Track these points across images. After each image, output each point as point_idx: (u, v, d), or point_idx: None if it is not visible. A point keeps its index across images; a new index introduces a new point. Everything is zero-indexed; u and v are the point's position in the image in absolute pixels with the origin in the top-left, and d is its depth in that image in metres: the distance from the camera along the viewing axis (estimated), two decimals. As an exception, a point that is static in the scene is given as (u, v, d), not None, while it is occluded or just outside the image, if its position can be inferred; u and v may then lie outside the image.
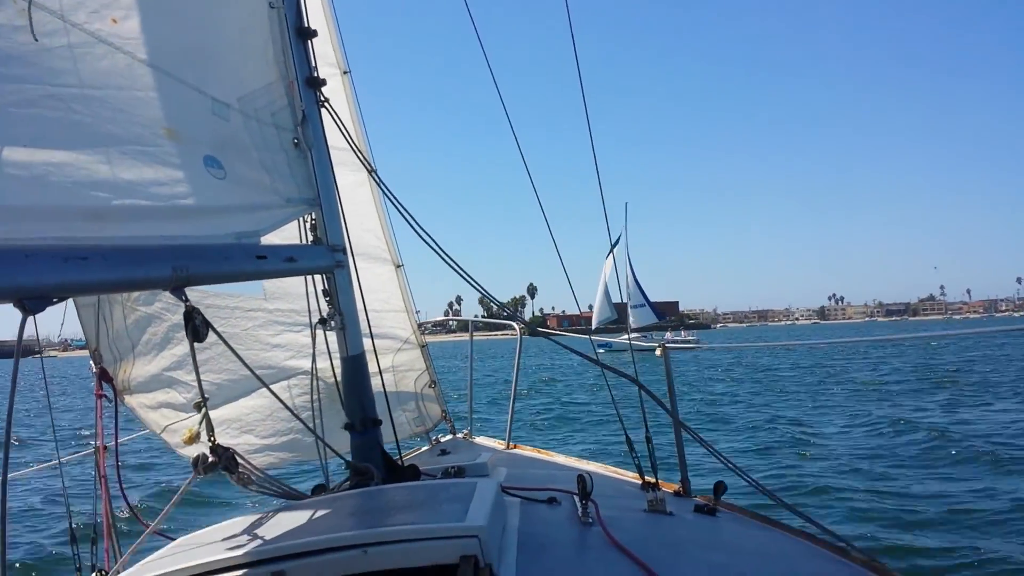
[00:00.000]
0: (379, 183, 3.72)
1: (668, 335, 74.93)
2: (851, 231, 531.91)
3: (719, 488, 3.74)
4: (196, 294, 4.71)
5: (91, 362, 4.09)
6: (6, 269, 1.92)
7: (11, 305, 1.99)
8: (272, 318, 5.16)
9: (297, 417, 3.51)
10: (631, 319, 60.42)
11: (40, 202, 2.29)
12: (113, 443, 3.79)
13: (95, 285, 2.24)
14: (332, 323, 3.55)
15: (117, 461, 3.68)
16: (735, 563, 3.04)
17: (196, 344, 4.73)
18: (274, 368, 5.14)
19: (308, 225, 3.53)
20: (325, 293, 3.55)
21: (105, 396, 3.93)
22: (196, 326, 2.59)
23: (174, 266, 2.44)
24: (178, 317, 4.56)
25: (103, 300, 4.06)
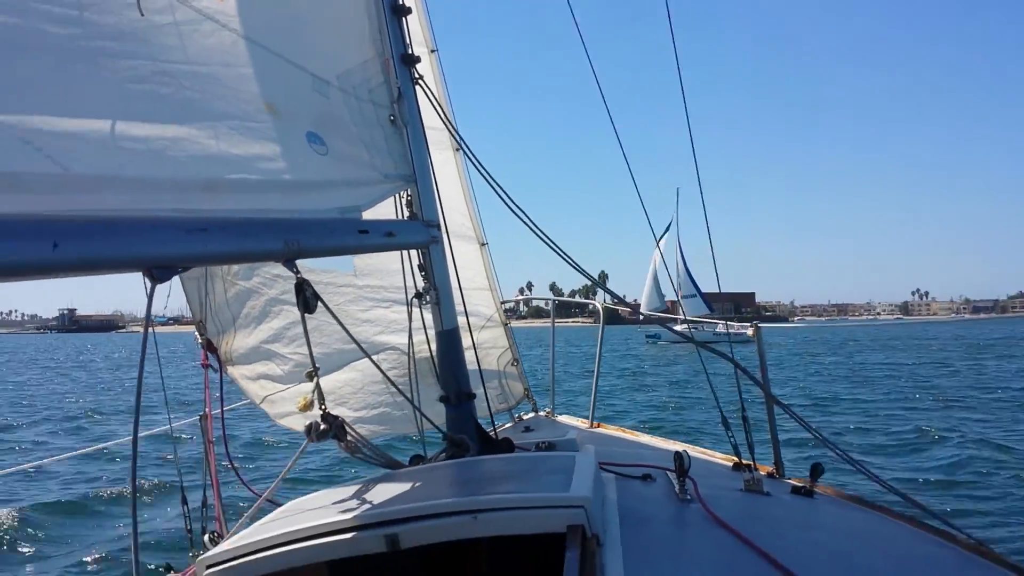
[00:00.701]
0: (473, 160, 3.73)
1: (720, 327, 72.21)
2: (937, 224, 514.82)
3: (816, 470, 3.66)
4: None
5: (196, 333, 4.24)
6: (134, 240, 2.00)
7: (135, 275, 2.07)
8: (362, 294, 5.25)
9: (398, 389, 3.58)
10: (681, 310, 59.27)
11: (158, 174, 2.36)
12: (219, 411, 3.92)
13: (214, 256, 2.31)
14: (427, 298, 3.59)
15: (224, 429, 3.81)
16: (837, 543, 2.98)
17: (290, 317, 4.89)
18: (364, 343, 5.24)
19: (404, 201, 3.58)
20: (421, 268, 3.60)
21: (211, 366, 4.06)
22: (307, 298, 2.65)
23: (286, 239, 2.50)
24: (275, 292, 4.69)
25: (205, 274, 4.20)
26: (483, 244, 5.63)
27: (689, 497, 3.04)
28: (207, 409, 3.86)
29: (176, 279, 4.19)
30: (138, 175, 2.28)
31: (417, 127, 3.52)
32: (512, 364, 5.92)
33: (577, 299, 6.89)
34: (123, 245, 1.94)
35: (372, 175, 3.28)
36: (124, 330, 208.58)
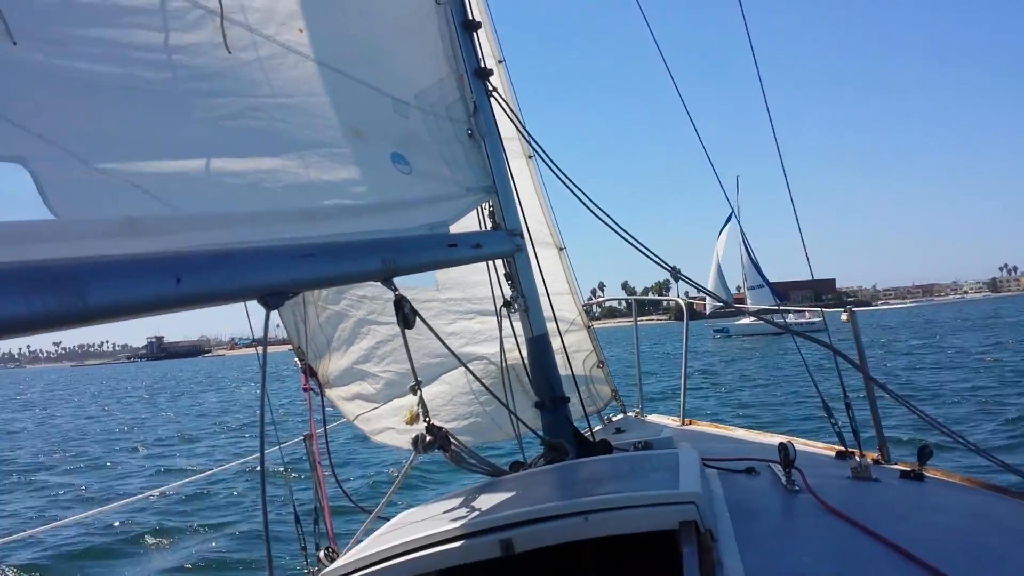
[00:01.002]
0: (550, 164, 3.76)
1: (791, 317, 69.86)
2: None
3: (924, 452, 3.56)
4: (375, 289, 4.93)
5: (296, 359, 4.36)
6: (248, 270, 2.08)
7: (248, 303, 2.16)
8: (445, 308, 5.32)
9: (495, 396, 3.62)
10: (748, 301, 55.91)
11: (258, 207, 2.45)
12: (322, 431, 4.02)
13: (320, 280, 2.38)
14: (515, 305, 3.63)
15: (328, 449, 3.91)
16: (955, 524, 2.90)
17: (377, 337, 4.99)
18: (450, 355, 5.32)
19: (487, 212, 3.63)
20: (507, 277, 3.64)
21: (312, 389, 4.18)
22: (406, 314, 2.71)
23: (383, 259, 2.57)
24: (362, 312, 4.80)
25: (298, 301, 4.32)
26: (561, 248, 5.65)
27: (797, 488, 3.00)
28: (312, 430, 3.96)
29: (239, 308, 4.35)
30: (240, 209, 2.37)
31: (495, 139, 3.57)
32: (598, 366, 5.92)
33: (657, 296, 6.82)
34: (238, 276, 2.02)
35: (455, 190, 3.34)
36: (210, 354, 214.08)
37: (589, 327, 5.89)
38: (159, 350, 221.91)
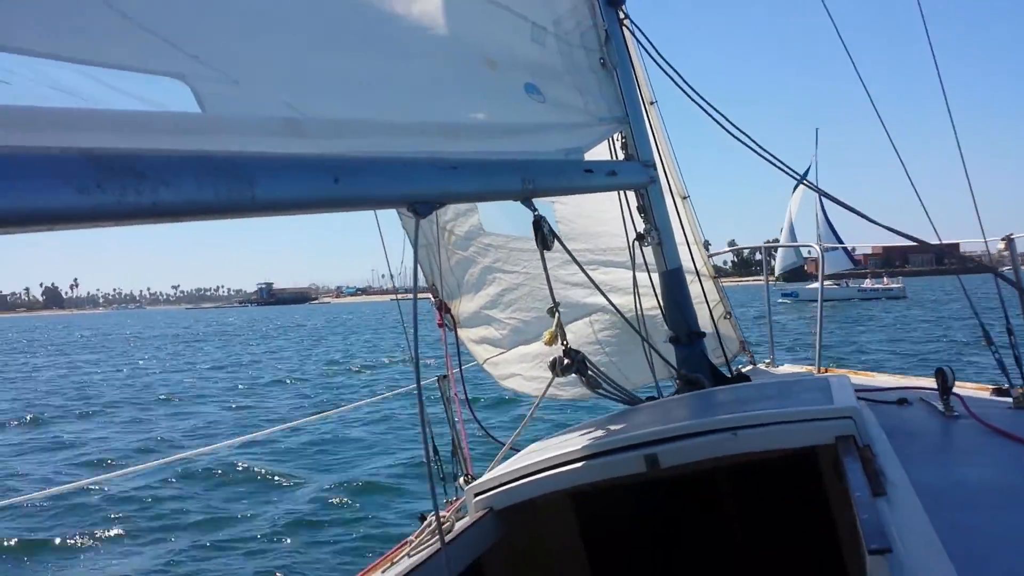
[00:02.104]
0: (695, 96, 3.63)
1: (867, 283, 65.33)
2: None
3: None
4: (500, 239, 4.94)
5: (430, 296, 4.43)
6: (401, 177, 2.09)
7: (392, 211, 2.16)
8: (567, 258, 5.29)
9: (629, 323, 3.57)
10: (823, 264, 52.99)
11: (405, 119, 2.46)
12: (457, 370, 4.07)
13: (463, 194, 2.38)
14: (649, 239, 3.55)
15: (464, 384, 3.95)
16: None
17: (503, 285, 5.00)
18: (574, 305, 5.27)
19: (619, 144, 3.56)
20: (640, 210, 3.56)
21: (446, 325, 4.24)
22: (544, 235, 2.68)
23: (523, 178, 2.54)
24: (488, 260, 4.82)
25: (431, 244, 4.37)
26: (685, 197, 5.51)
27: (957, 413, 2.83)
28: (448, 368, 4.02)
29: (408, 247, 4.42)
30: (389, 120, 2.39)
31: (627, 68, 3.49)
32: (725, 317, 5.76)
33: (793, 243, 6.52)
34: (391, 182, 2.04)
35: (588, 119, 3.28)
36: (316, 302, 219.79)
37: (715, 277, 5.73)
38: (268, 296, 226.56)
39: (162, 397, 22.01)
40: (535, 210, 2.65)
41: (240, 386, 24.30)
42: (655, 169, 3.52)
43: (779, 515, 3.09)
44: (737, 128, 3.57)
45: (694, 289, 5.68)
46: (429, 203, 2.17)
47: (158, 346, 52.10)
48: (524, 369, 4.92)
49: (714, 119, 3.57)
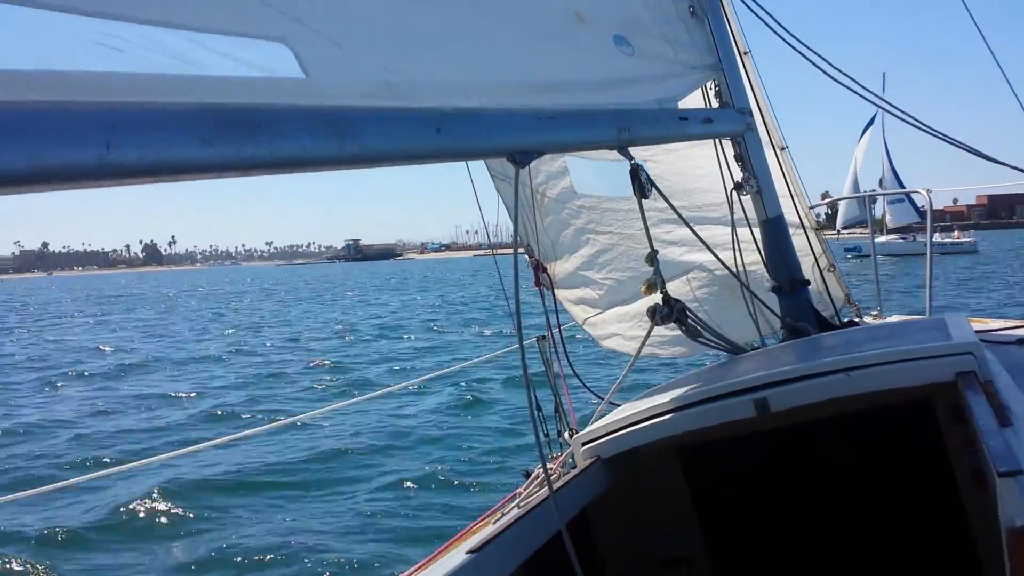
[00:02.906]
0: (788, 37, 3.52)
1: (937, 236, 60.11)
2: None
3: None
4: (592, 200, 4.93)
5: (527, 256, 4.47)
6: (500, 128, 2.12)
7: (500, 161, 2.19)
8: (663, 216, 5.21)
9: (732, 273, 3.51)
10: (887, 217, 48.67)
11: (499, 78, 2.48)
12: (555, 329, 4.10)
13: (561, 143, 2.40)
14: (747, 187, 3.48)
15: (563, 342, 3.98)
16: None
17: (597, 246, 5.00)
18: (671, 264, 5.22)
19: (712, 93, 3.49)
20: (737, 158, 3.49)
21: (543, 285, 4.27)
22: (642, 183, 2.67)
23: (618, 127, 2.53)
24: (581, 222, 4.82)
25: (524, 205, 4.39)
26: (782, 148, 5.35)
27: None
28: (548, 329, 4.05)
29: (502, 206, 4.46)
30: (485, 79, 2.41)
31: (718, 14, 3.41)
32: (828, 270, 5.60)
33: (901, 190, 6.19)
34: (490, 133, 2.08)
35: (679, 68, 3.23)
36: (400, 258, 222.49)
37: (817, 230, 5.56)
38: (356, 251, 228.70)
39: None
40: (632, 159, 2.63)
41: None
42: (751, 116, 3.44)
43: (891, 468, 3.00)
44: (837, 69, 3.46)
45: (797, 242, 5.54)
46: (528, 153, 2.19)
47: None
48: (623, 329, 4.91)
49: (811, 61, 3.46)
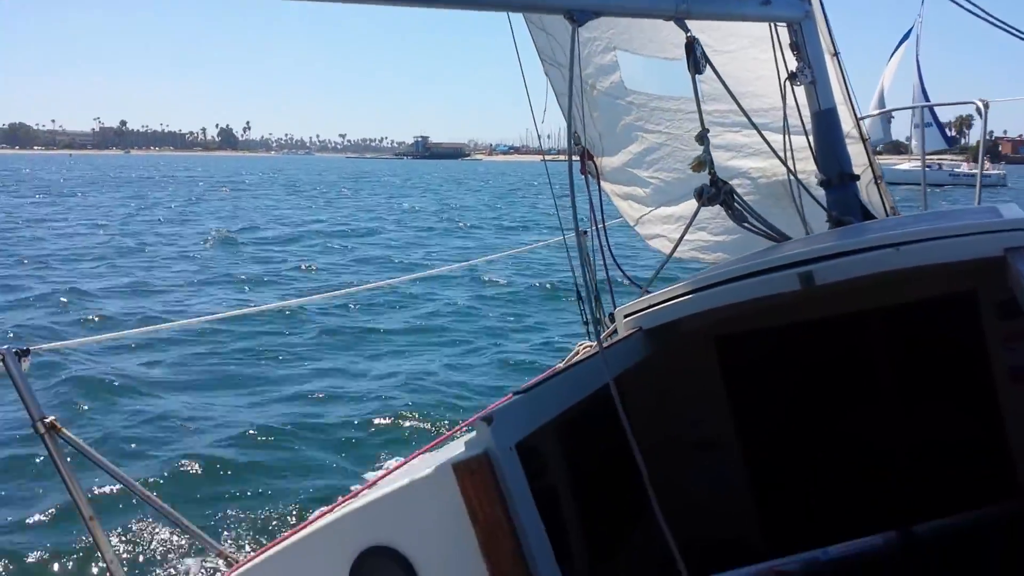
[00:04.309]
0: None
1: (965, 166, 56.11)
2: None
3: None
4: (642, 97, 4.88)
5: (574, 144, 4.47)
6: None
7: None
8: (711, 120, 5.10)
9: (785, 164, 3.50)
10: (913, 141, 45.41)
11: None
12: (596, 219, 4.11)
13: (618, 6, 2.39)
14: (801, 77, 3.44)
15: (606, 235, 4.00)
16: None
17: (645, 144, 4.97)
18: (717, 168, 5.19)
19: None
20: (793, 47, 3.43)
21: (589, 173, 4.28)
22: (696, 58, 2.65)
23: None
24: (630, 118, 4.78)
25: (580, 91, 4.36)
26: (834, 54, 5.23)
27: None
28: (592, 224, 4.06)
29: (552, 95, 4.45)
30: None
31: None
32: (874, 182, 5.52)
33: (956, 102, 5.98)
34: None
35: None
36: (468, 158, 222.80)
37: (865, 140, 5.47)
38: (424, 149, 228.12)
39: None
40: (688, 31, 2.61)
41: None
42: (809, 3, 3.37)
43: (930, 364, 3.01)
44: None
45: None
46: (586, 12, 2.19)
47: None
48: (668, 231, 4.92)
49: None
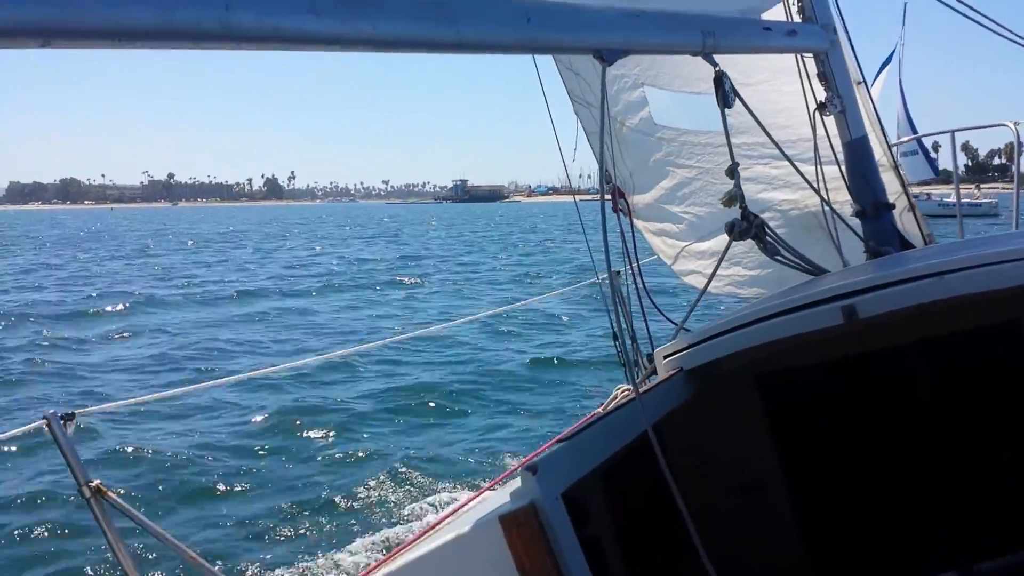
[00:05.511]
0: None
1: (952, 197, 53.10)
2: None
3: None
4: (672, 132, 4.87)
5: (605, 183, 4.46)
6: (587, 24, 2.13)
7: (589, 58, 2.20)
8: (740, 152, 5.08)
9: (819, 195, 3.44)
10: (1019, 146, 42.82)
11: None
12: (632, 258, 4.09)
13: (647, 44, 2.38)
14: (831, 107, 3.39)
15: (641, 274, 3.96)
16: None
17: (676, 179, 4.94)
18: (749, 202, 5.14)
19: (795, 10, 3.40)
20: (820, 77, 3.40)
21: (621, 211, 4.26)
22: (726, 92, 2.63)
23: (703, 31, 2.50)
24: (660, 155, 4.76)
25: (610, 131, 4.37)
26: (859, 83, 5.18)
27: None
28: (627, 262, 4.02)
29: (583, 135, 4.45)
30: None
31: None
32: (908, 210, 5.42)
33: (988, 125, 5.86)
34: (578, 27, 2.09)
35: None
36: (507, 200, 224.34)
37: (896, 166, 5.38)
38: (463, 192, 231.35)
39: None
40: (716, 65, 2.60)
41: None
42: (835, 33, 3.34)
43: (976, 397, 2.89)
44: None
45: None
46: (614, 51, 2.19)
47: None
48: (703, 266, 4.86)
49: None
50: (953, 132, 5.82)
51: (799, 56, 3.45)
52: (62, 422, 2.28)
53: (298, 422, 10.10)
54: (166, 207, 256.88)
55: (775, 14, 3.36)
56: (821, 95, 3.44)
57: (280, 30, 1.42)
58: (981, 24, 3.56)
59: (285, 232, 71.09)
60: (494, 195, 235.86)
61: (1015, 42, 3.65)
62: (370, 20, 1.56)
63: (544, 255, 38.55)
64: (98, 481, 2.30)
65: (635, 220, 4.63)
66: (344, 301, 22.47)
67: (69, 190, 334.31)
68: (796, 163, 4.14)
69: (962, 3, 3.84)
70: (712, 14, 2.71)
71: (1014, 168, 5.13)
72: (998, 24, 3.53)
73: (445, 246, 47.36)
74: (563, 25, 2.04)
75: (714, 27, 2.56)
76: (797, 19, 3.38)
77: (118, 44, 1.25)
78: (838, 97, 3.37)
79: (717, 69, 2.60)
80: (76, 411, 2.37)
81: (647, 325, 3.94)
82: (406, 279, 27.84)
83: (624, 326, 3.78)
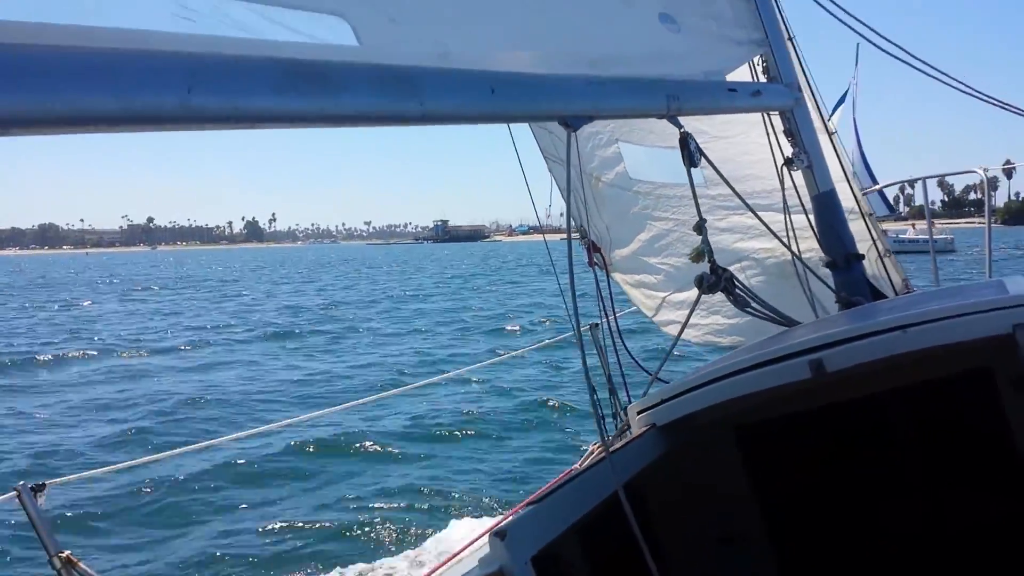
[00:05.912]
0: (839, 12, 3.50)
1: (911, 232, 54.08)
2: None
3: None
4: (647, 186, 4.94)
5: (579, 237, 4.50)
6: (552, 92, 2.17)
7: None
8: (716, 203, 5.20)
9: (789, 250, 3.49)
10: (988, 189, 42.99)
11: (551, 53, 2.53)
12: (611, 315, 4.11)
13: (613, 109, 2.43)
14: (798, 162, 3.46)
15: (618, 326, 3.99)
16: None
17: (653, 231, 5.00)
18: (723, 251, 5.20)
19: (760, 68, 3.48)
20: (787, 133, 3.47)
21: (597, 264, 4.29)
22: (691, 152, 2.68)
23: (667, 95, 2.55)
24: (637, 208, 4.83)
25: (576, 187, 4.43)
26: (831, 133, 5.28)
27: None
28: (602, 312, 4.05)
29: (556, 189, 4.50)
30: (535, 52, 2.47)
31: None
32: (886, 255, 5.48)
33: (960, 171, 5.95)
34: (543, 95, 2.13)
35: (725, 43, 3.24)
36: (488, 239, 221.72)
37: (869, 215, 5.46)
38: (443, 233, 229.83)
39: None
40: (681, 127, 2.65)
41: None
42: (799, 91, 3.42)
43: (951, 445, 2.91)
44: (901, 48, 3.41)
45: (851, 227, 5.45)
46: (580, 117, 2.23)
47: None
48: (681, 316, 4.90)
49: (863, 35, 3.42)
50: (924, 179, 5.92)
51: (766, 113, 3.53)
52: (33, 493, 2.29)
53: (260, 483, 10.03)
54: (144, 251, 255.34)
55: (740, 74, 3.44)
56: (788, 151, 3.50)
57: (242, 110, 1.43)
58: (933, 76, 3.63)
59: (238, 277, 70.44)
60: (475, 235, 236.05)
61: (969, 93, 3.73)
62: (332, 96, 1.58)
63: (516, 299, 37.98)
64: (68, 552, 2.29)
65: (614, 273, 4.67)
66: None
67: (47, 235, 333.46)
68: (771, 212, 4.22)
69: (911, 55, 3.94)
70: (676, 77, 2.77)
71: (985, 213, 5.22)
72: (952, 77, 3.61)
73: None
74: (527, 94, 2.07)
75: (678, 90, 2.61)
76: (762, 78, 3.46)
77: (78, 130, 1.26)
78: (804, 152, 3.43)
79: (682, 131, 2.65)
80: (47, 481, 2.37)
81: (624, 377, 3.94)
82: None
83: (594, 383, 3.79)
